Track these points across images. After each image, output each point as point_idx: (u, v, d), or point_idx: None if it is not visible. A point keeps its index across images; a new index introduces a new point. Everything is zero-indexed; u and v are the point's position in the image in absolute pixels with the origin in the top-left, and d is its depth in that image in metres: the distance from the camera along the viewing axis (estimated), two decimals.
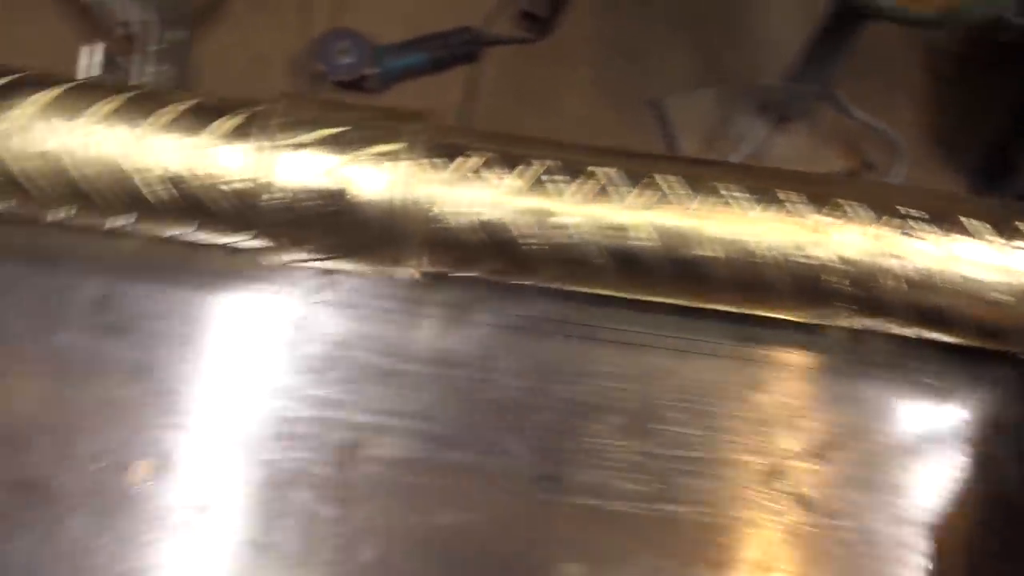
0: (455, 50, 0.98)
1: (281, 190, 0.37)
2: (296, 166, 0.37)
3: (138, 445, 0.43)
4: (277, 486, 0.42)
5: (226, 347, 0.44)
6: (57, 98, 0.38)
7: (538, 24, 1.00)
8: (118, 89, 0.39)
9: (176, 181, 0.38)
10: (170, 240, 0.42)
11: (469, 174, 0.37)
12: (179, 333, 0.44)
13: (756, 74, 0.92)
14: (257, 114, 0.39)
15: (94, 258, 0.46)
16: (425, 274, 0.41)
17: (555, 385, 0.44)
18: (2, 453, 0.42)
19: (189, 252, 0.44)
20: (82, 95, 0.39)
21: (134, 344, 0.44)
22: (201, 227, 0.40)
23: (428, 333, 0.45)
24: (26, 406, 0.43)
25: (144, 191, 0.38)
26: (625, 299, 0.41)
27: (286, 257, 0.40)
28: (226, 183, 0.38)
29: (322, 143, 0.37)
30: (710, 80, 0.94)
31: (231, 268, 0.45)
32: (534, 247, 0.38)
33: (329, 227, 0.38)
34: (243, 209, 0.38)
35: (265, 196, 0.37)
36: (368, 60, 0.94)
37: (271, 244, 0.40)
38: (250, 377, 0.44)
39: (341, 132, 0.38)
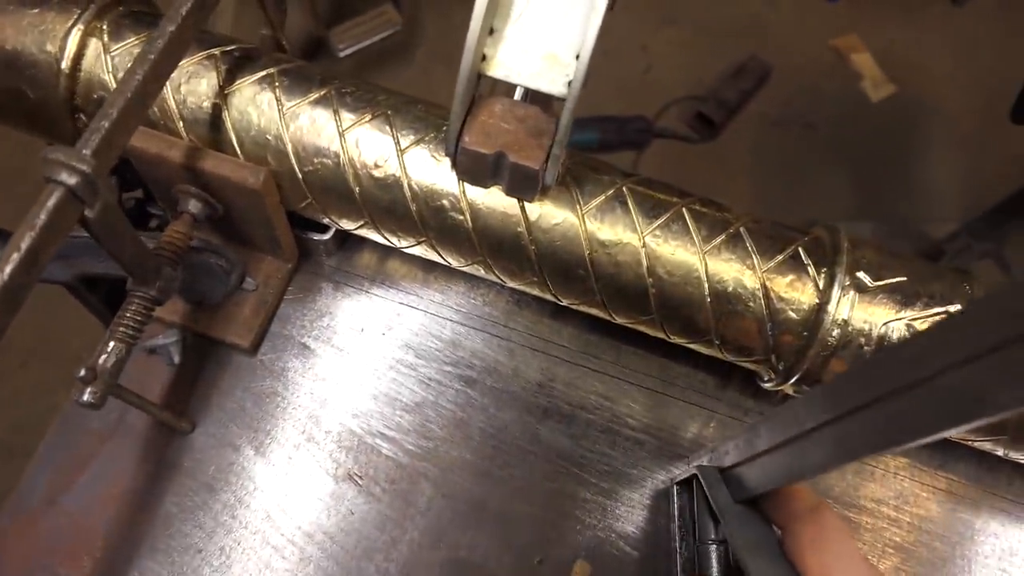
0: (627, 136, 0.98)
1: (840, 327, 0.35)
2: (863, 308, 0.35)
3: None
4: None
5: None
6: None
7: (708, 127, 1.02)
8: (683, 197, 0.38)
9: (719, 296, 0.36)
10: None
11: None
12: None
13: (913, 217, 0.97)
14: (815, 245, 0.37)
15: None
16: None
17: None
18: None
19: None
20: (645, 196, 0.37)
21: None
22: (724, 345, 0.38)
23: None
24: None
25: (671, 294, 0.36)
26: None
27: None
28: (778, 309, 0.36)
29: (887, 291, 0.36)
30: (868, 213, 0.98)
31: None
32: None
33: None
34: (775, 342, 0.36)
35: (822, 332, 0.35)
36: None
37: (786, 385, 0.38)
38: None
39: (900, 283, 0.36)
